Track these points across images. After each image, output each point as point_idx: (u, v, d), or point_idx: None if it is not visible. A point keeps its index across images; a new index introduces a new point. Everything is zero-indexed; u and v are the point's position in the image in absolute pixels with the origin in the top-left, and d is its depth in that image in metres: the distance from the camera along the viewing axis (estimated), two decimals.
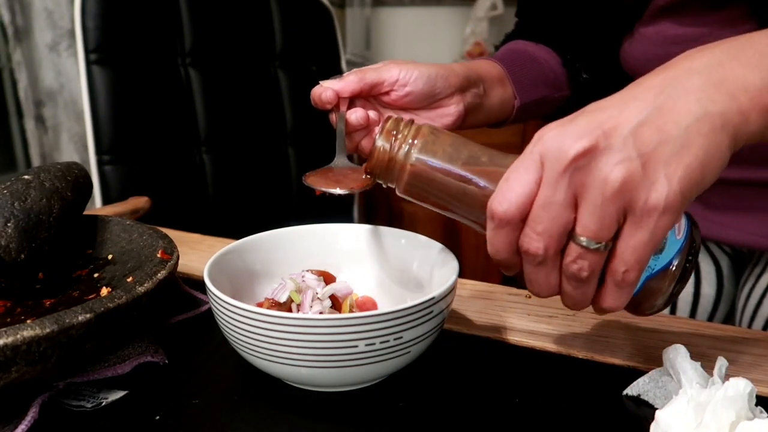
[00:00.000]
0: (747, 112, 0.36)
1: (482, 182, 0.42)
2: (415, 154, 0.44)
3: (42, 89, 2.02)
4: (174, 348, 0.50)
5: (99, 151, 1.12)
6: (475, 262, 1.86)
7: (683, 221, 0.42)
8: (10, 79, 2.03)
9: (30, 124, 2.01)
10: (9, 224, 0.49)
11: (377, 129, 0.47)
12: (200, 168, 1.23)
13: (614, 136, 0.35)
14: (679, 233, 0.41)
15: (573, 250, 0.37)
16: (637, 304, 0.42)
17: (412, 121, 0.45)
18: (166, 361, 0.49)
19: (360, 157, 0.58)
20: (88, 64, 1.10)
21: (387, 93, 0.56)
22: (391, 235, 0.56)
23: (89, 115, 1.11)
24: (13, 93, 2.05)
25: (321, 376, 0.42)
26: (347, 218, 1.44)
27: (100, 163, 1.12)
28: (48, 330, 0.38)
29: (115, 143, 1.12)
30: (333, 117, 0.55)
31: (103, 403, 0.44)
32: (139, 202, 0.95)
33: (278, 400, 0.45)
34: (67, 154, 2.08)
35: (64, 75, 2.02)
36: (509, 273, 0.42)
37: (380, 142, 0.45)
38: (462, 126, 0.61)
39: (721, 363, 0.39)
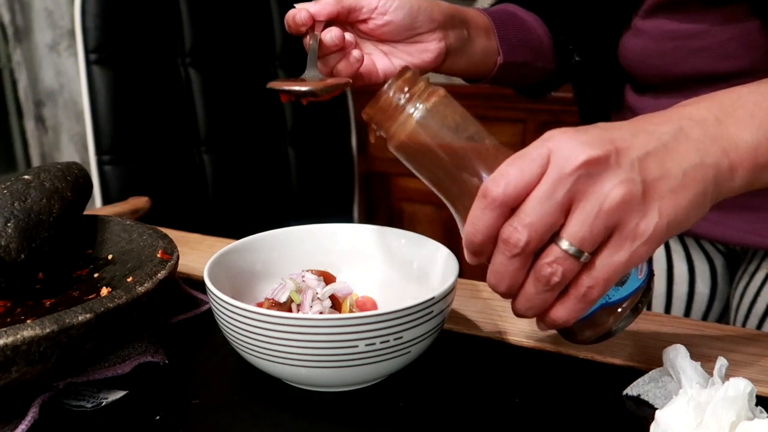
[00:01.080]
0: (735, 169, 0.40)
1: (480, 163, 0.41)
2: (423, 113, 0.42)
3: (42, 89, 2.02)
4: (174, 348, 0.50)
5: (99, 151, 1.12)
6: None
7: (645, 266, 0.42)
8: (10, 79, 2.03)
9: (30, 124, 2.01)
10: (9, 224, 0.49)
11: (388, 85, 0.43)
12: (200, 168, 1.23)
13: (625, 155, 0.37)
14: (640, 274, 0.42)
15: (553, 252, 0.37)
16: (575, 331, 0.43)
17: (430, 81, 0.44)
18: (166, 361, 0.49)
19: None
20: (88, 64, 1.10)
21: (365, 21, 0.53)
22: (391, 235, 0.56)
23: (89, 115, 1.11)
24: (13, 93, 2.05)
25: (321, 376, 0.42)
26: (347, 218, 1.44)
27: (100, 163, 1.12)
28: (48, 330, 0.38)
29: (115, 143, 1.12)
30: (307, 40, 0.52)
31: (103, 403, 0.44)
32: (139, 202, 0.95)
33: (278, 400, 0.45)
34: (67, 154, 2.08)
35: (64, 75, 2.02)
36: (475, 261, 0.41)
37: (392, 90, 0.43)
38: (441, 69, 0.59)
39: (721, 363, 0.39)
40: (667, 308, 0.78)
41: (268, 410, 0.44)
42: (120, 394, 0.45)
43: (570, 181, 0.36)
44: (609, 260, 0.37)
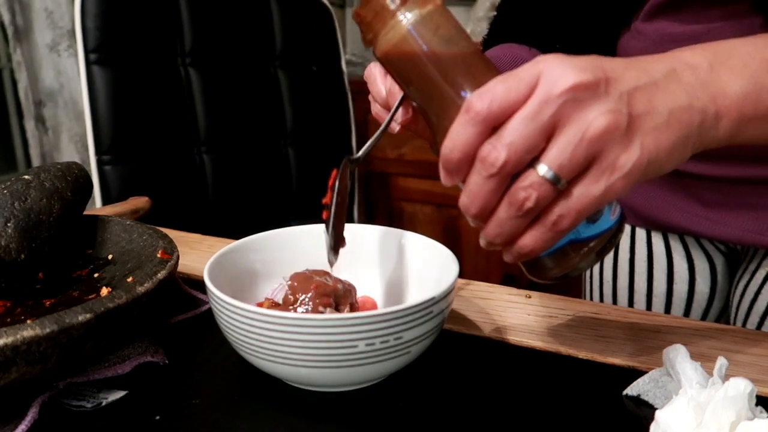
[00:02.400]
0: (721, 118, 0.39)
1: (468, 79, 0.40)
2: (416, 18, 0.40)
3: (42, 89, 2.02)
4: (174, 348, 0.50)
5: (99, 151, 1.12)
6: (475, 262, 1.86)
7: (618, 209, 0.41)
8: (10, 79, 2.03)
9: (30, 124, 2.01)
10: (9, 224, 0.49)
11: None
12: (200, 168, 1.23)
13: (614, 85, 0.36)
14: (613, 215, 0.41)
15: (529, 176, 0.36)
16: (539, 266, 0.42)
17: None
18: (166, 361, 0.49)
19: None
20: (88, 64, 1.10)
21: None
22: (391, 235, 0.56)
23: (89, 115, 1.11)
24: (13, 93, 2.05)
25: (321, 376, 0.42)
26: (347, 218, 1.44)
27: (100, 163, 1.12)
28: (48, 330, 0.38)
29: (115, 143, 1.12)
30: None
31: (103, 403, 0.44)
32: (139, 202, 0.95)
33: (278, 400, 0.45)
34: (67, 154, 2.07)
35: (64, 75, 2.02)
36: (449, 182, 0.40)
37: None
38: None
39: (721, 363, 0.39)
40: (668, 307, 0.78)
41: (268, 410, 0.44)
42: (120, 394, 0.45)
43: (556, 104, 0.35)
44: (585, 190, 0.36)
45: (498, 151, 0.36)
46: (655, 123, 0.36)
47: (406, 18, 0.40)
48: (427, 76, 0.40)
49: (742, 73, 0.39)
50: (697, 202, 0.72)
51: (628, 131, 0.36)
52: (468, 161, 0.38)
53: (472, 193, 0.38)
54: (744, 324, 0.72)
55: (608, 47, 0.74)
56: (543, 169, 0.36)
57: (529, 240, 0.38)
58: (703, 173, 0.69)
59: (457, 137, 0.37)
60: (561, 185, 0.36)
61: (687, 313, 0.77)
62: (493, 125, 0.37)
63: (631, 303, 0.80)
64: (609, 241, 0.41)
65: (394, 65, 0.42)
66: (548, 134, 0.36)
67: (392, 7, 0.41)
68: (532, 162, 0.36)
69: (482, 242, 0.41)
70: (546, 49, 0.74)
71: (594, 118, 0.35)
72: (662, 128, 0.37)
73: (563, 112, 0.35)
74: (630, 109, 0.36)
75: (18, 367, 0.38)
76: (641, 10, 0.69)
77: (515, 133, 0.36)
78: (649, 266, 0.79)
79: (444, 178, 0.40)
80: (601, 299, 0.84)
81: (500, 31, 0.76)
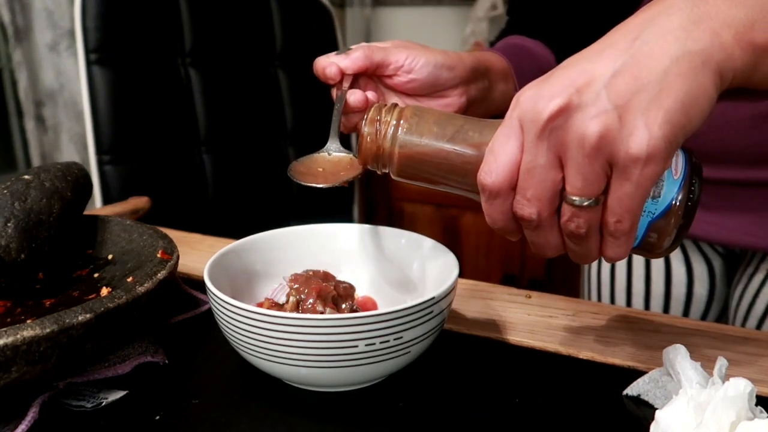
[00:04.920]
0: (731, 48, 0.35)
1: (471, 154, 0.42)
2: (401, 139, 0.44)
3: (42, 89, 2.02)
4: (174, 348, 0.50)
5: (99, 151, 1.12)
6: (475, 262, 1.86)
7: (680, 158, 0.41)
8: (10, 79, 2.03)
9: (30, 124, 2.01)
10: (9, 224, 0.49)
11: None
12: (200, 168, 1.23)
13: (587, 91, 0.35)
14: (676, 173, 0.40)
15: (566, 209, 0.37)
16: (648, 248, 0.42)
17: (395, 105, 0.45)
18: (166, 361, 0.49)
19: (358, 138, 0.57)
20: (88, 64, 1.10)
21: (390, 76, 0.55)
22: (391, 235, 0.56)
23: (89, 115, 1.11)
24: (13, 93, 2.05)
25: (321, 376, 0.42)
26: (347, 218, 1.44)
27: (100, 163, 1.12)
28: (48, 330, 0.38)
29: (115, 143, 1.12)
30: (334, 92, 0.55)
31: (103, 403, 0.44)
32: (139, 202, 0.95)
33: (278, 400, 0.45)
34: (67, 154, 2.08)
35: (64, 75, 2.02)
36: (513, 238, 0.42)
37: (366, 131, 0.45)
38: None
39: (721, 363, 0.39)
40: (665, 310, 0.78)
41: (268, 410, 0.44)
42: (120, 394, 0.45)
43: (545, 142, 0.36)
44: (618, 194, 0.36)
45: (528, 207, 0.37)
46: (650, 95, 0.34)
47: (393, 143, 0.44)
48: (439, 172, 0.44)
49: (744, 3, 0.36)
50: None
51: (623, 122, 0.34)
52: (513, 222, 0.40)
53: (535, 244, 0.40)
54: (742, 327, 0.72)
55: None
56: (572, 199, 0.36)
57: (611, 251, 0.39)
58: None
59: (490, 212, 0.40)
60: (595, 203, 0.36)
61: (685, 316, 0.77)
62: (511, 188, 0.38)
63: (628, 305, 0.80)
64: (690, 191, 0.40)
65: (411, 179, 0.46)
66: (558, 165, 0.36)
67: (378, 141, 0.45)
68: (563, 193, 0.37)
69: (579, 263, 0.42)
70: (554, 43, 0.74)
71: (583, 133, 0.35)
72: (662, 94, 0.34)
73: (556, 143, 0.36)
74: (614, 101, 0.34)
75: (18, 367, 0.38)
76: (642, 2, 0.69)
77: (530, 185, 0.37)
78: (646, 268, 0.79)
79: (510, 238, 0.42)
80: (599, 301, 0.84)
81: (510, 30, 0.77)
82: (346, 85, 0.53)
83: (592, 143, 0.34)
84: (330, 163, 0.51)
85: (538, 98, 0.36)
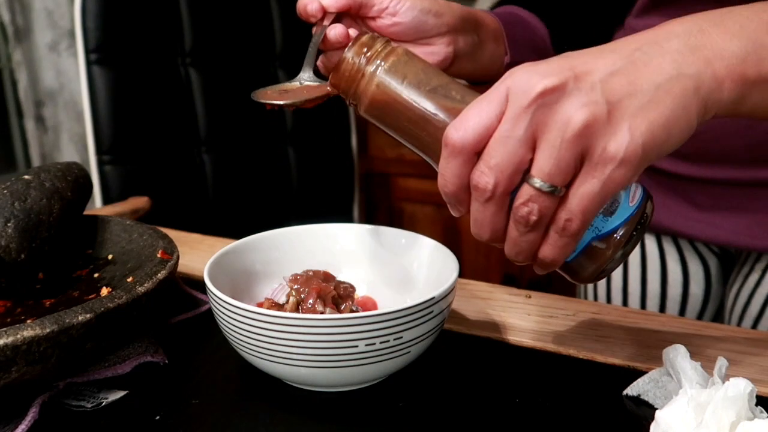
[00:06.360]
0: (721, 80, 0.36)
1: (444, 114, 0.41)
2: (383, 73, 0.42)
3: (42, 89, 2.02)
4: (174, 348, 0.50)
5: (99, 151, 1.12)
6: (475, 262, 1.86)
7: (639, 191, 0.41)
8: (10, 79, 2.03)
9: (30, 124, 2.01)
10: (9, 224, 0.49)
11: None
12: (200, 168, 1.23)
13: (584, 79, 0.35)
14: (632, 200, 0.40)
15: (525, 191, 0.36)
16: (575, 269, 0.41)
17: (389, 40, 0.44)
18: (166, 361, 0.49)
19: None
20: (88, 64, 1.10)
21: (373, 18, 0.53)
22: (391, 235, 0.56)
23: (89, 115, 1.11)
24: (13, 93, 2.05)
25: (321, 376, 0.42)
26: (347, 218, 1.44)
27: (100, 163, 1.12)
28: (48, 330, 0.38)
29: (115, 143, 1.12)
30: (315, 30, 0.52)
31: (103, 403, 0.44)
32: (139, 202, 0.95)
33: (278, 400, 0.45)
34: (67, 154, 2.08)
35: (64, 75, 2.02)
36: (456, 212, 0.40)
37: (350, 54, 0.43)
38: (447, 71, 0.58)
39: (721, 363, 0.39)
40: (662, 309, 0.78)
41: (268, 410, 0.44)
42: (120, 394, 0.45)
43: (528, 115, 0.35)
44: (582, 190, 0.35)
45: (486, 175, 0.36)
46: (640, 103, 0.35)
47: (374, 74, 0.42)
48: (409, 120, 0.42)
49: (740, 34, 0.37)
50: (689, 205, 0.71)
51: (610, 119, 0.34)
52: (464, 191, 0.38)
53: (477, 221, 0.38)
54: (738, 327, 0.72)
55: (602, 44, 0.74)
56: (536, 181, 0.36)
57: (548, 250, 0.38)
58: (695, 175, 0.69)
59: (444, 171, 0.38)
60: (558, 192, 0.36)
61: (681, 315, 0.77)
62: (475, 151, 0.37)
63: (625, 305, 0.80)
64: (635, 227, 0.40)
65: (377, 119, 0.44)
66: (531, 145, 0.36)
67: (359, 67, 0.43)
68: (526, 176, 0.36)
69: (509, 258, 0.40)
70: (549, 19, 0.73)
71: (569, 118, 0.34)
72: (651, 106, 0.35)
73: (538, 121, 0.35)
74: (607, 96, 0.35)
75: (18, 367, 0.38)
76: (635, 7, 0.69)
77: (497, 154, 0.36)
78: (642, 269, 0.78)
79: (452, 211, 0.40)
80: (596, 301, 0.84)
81: (508, 1, 0.75)
82: (327, 23, 0.51)
83: (575, 129, 0.34)
84: (299, 89, 0.49)
85: (533, 73, 0.35)
